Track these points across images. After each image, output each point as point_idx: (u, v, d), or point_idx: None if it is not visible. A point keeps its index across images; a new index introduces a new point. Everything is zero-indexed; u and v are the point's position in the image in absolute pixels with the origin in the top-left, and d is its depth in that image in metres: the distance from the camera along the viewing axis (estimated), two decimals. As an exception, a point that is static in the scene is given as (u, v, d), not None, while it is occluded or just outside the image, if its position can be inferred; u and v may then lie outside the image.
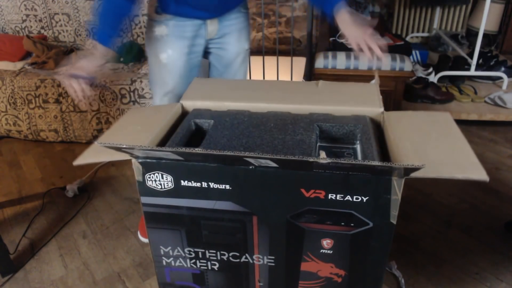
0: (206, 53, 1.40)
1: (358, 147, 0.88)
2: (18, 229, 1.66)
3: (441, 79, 2.54)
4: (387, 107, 2.25)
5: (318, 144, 0.90)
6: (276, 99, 1.01)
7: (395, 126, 0.87)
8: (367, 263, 0.81)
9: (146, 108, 1.13)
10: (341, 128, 0.90)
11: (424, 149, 0.77)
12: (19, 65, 2.33)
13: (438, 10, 3.11)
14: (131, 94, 2.13)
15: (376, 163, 0.63)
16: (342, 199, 0.74)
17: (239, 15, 1.34)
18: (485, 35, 2.44)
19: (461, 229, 1.55)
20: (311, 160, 0.64)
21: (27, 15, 2.65)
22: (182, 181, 0.79)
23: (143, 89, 2.11)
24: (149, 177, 0.80)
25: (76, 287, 1.39)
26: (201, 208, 0.81)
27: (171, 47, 1.27)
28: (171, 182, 0.79)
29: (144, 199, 0.83)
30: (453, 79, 2.56)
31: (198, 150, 0.69)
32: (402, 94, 2.14)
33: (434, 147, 0.78)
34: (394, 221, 0.74)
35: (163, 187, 0.80)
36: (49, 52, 2.34)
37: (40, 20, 2.65)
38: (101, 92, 2.12)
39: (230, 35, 1.35)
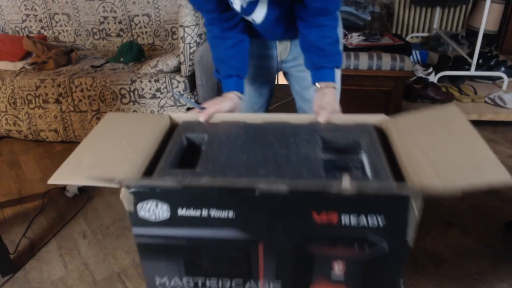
0: (284, 74, 1.30)
1: (365, 158, 0.82)
2: (18, 229, 1.66)
3: (441, 79, 2.54)
4: (387, 107, 2.25)
5: (323, 157, 0.83)
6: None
7: (401, 133, 0.81)
8: (380, 286, 0.76)
9: (128, 115, 1.02)
10: (345, 138, 0.84)
11: (437, 157, 0.71)
12: (19, 65, 2.33)
13: (438, 10, 3.11)
14: (131, 94, 2.13)
15: (400, 187, 0.58)
16: (356, 224, 0.67)
17: None
18: (485, 35, 2.43)
19: (461, 229, 1.55)
20: (334, 192, 0.59)
21: (27, 15, 2.65)
22: (179, 209, 0.70)
23: (143, 89, 2.11)
24: (141, 207, 0.71)
25: (76, 287, 1.39)
26: (201, 238, 0.73)
27: None
28: (167, 211, 0.71)
29: (136, 230, 0.73)
30: (453, 79, 2.56)
31: (201, 180, 0.64)
32: (402, 94, 2.14)
33: (446, 151, 0.72)
34: (411, 244, 0.69)
35: (158, 217, 0.71)
36: (49, 52, 2.34)
37: (40, 20, 2.65)
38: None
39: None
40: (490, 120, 2.26)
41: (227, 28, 1.05)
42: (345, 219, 0.67)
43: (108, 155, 0.80)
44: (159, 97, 2.12)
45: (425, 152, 0.73)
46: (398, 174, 0.74)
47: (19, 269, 1.47)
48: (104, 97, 2.15)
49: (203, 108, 0.94)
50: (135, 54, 2.38)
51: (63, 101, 2.19)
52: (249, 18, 1.02)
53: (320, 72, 1.04)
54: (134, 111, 2.17)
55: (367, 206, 0.66)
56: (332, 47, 1.04)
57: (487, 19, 2.30)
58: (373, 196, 0.65)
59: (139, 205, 0.71)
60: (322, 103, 0.97)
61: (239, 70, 1.07)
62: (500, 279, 1.33)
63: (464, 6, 3.10)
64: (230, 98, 1.03)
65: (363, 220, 0.67)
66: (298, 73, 1.22)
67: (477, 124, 2.60)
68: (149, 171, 0.77)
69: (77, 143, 2.29)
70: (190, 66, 2.02)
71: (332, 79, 1.03)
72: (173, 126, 0.93)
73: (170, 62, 2.08)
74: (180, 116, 0.95)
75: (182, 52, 1.99)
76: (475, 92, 2.45)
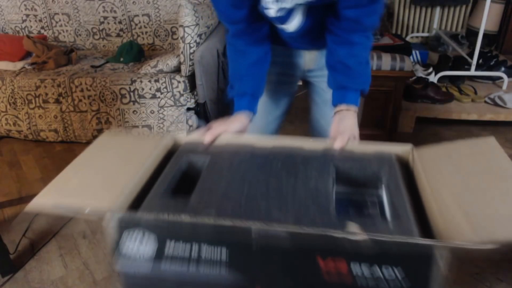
0: (306, 83, 1.21)
1: (384, 195, 0.73)
2: (18, 229, 1.66)
3: (441, 79, 2.54)
4: (387, 107, 2.24)
5: (336, 191, 0.74)
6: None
7: (429, 168, 0.72)
8: None
9: (127, 136, 0.90)
10: (363, 170, 0.76)
11: (470, 200, 0.62)
12: (19, 65, 2.33)
13: (438, 10, 3.11)
14: (131, 94, 2.13)
15: (420, 241, 0.53)
16: (374, 285, 0.58)
17: None
18: (485, 35, 2.43)
19: (461, 229, 1.55)
20: (337, 236, 0.53)
21: (27, 15, 2.65)
22: (167, 241, 0.63)
23: (143, 89, 2.11)
24: (126, 236, 0.65)
25: (76, 287, 1.39)
26: (191, 277, 0.65)
27: None
28: (154, 242, 0.64)
29: (120, 262, 0.68)
30: (453, 79, 2.56)
31: (183, 216, 0.59)
32: (402, 94, 2.14)
33: (481, 194, 0.63)
34: None
35: (143, 249, 0.65)
36: (49, 52, 2.34)
37: (40, 20, 2.66)
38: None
39: None
40: (490, 120, 2.26)
41: (253, 41, 0.99)
42: (357, 274, 0.58)
43: (97, 179, 0.73)
44: (159, 97, 2.12)
45: (456, 194, 0.64)
46: (421, 217, 0.65)
47: (19, 269, 1.47)
48: (104, 97, 2.15)
49: (208, 128, 0.89)
50: (135, 54, 2.39)
51: (63, 101, 2.19)
52: (281, 26, 0.95)
53: (343, 93, 0.95)
54: (134, 111, 2.17)
55: (383, 259, 0.58)
56: (361, 68, 0.96)
57: (487, 19, 2.30)
58: (391, 252, 0.57)
59: (124, 234, 0.64)
60: (340, 128, 0.89)
61: (254, 89, 1.01)
62: (499, 278, 1.33)
63: (464, 6, 3.10)
64: (239, 119, 0.97)
65: (378, 276, 0.58)
66: (322, 84, 1.12)
67: (477, 124, 2.57)
68: (140, 197, 0.71)
69: (77, 143, 2.31)
70: (190, 66, 2.02)
71: (355, 102, 0.94)
72: (175, 147, 0.87)
73: (170, 62, 2.08)
74: (183, 137, 0.89)
75: (182, 52, 1.99)
76: (475, 92, 2.45)
